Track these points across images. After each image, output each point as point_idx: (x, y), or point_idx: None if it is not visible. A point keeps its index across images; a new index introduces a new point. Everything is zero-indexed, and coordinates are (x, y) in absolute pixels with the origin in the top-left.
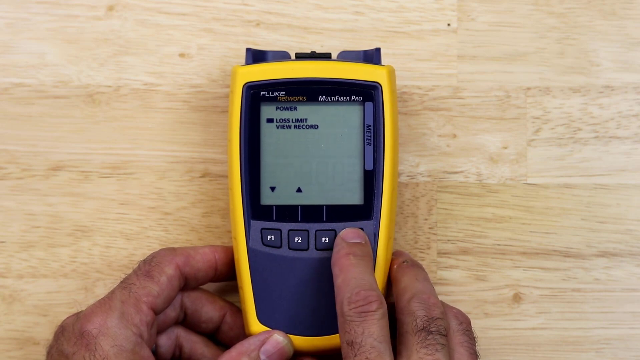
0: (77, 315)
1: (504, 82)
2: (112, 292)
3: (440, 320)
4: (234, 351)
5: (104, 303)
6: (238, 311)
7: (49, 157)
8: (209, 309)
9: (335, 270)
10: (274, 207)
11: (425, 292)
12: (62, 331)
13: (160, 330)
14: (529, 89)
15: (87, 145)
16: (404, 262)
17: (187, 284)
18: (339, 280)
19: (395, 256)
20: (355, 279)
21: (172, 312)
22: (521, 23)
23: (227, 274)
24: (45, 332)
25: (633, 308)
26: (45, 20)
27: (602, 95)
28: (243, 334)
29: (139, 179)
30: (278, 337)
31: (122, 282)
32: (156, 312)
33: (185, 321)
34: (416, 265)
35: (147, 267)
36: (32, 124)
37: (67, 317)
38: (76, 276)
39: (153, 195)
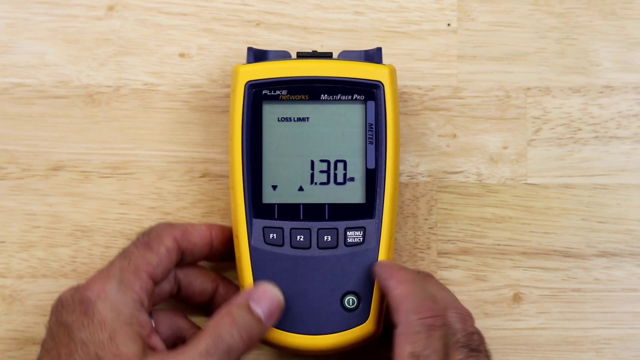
0: (76, 288)
1: (504, 82)
2: (111, 262)
3: (476, 335)
4: (224, 307)
5: (103, 272)
6: (230, 283)
7: (49, 157)
8: (202, 281)
9: (392, 282)
10: (275, 205)
11: (456, 301)
12: (60, 304)
13: (154, 304)
14: (529, 89)
15: (87, 145)
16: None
17: (183, 258)
18: (398, 290)
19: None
20: (420, 288)
21: (166, 285)
22: (521, 23)
23: (223, 252)
24: (45, 332)
25: (633, 308)
26: (45, 20)
27: (602, 95)
28: None
29: (139, 179)
30: (265, 286)
31: (121, 252)
32: (155, 281)
33: (179, 294)
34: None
35: (146, 238)
36: (32, 124)
37: (65, 291)
38: (76, 276)
39: (153, 195)
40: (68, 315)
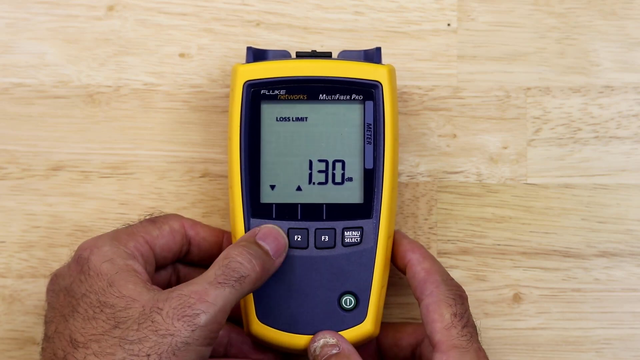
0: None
1: (504, 82)
2: None
3: None
4: (230, 246)
5: (97, 235)
6: None
7: (49, 157)
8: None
9: (416, 256)
10: (273, 205)
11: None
12: (55, 277)
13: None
14: (529, 89)
15: (87, 145)
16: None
17: (191, 251)
18: (425, 264)
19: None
20: (442, 267)
21: (164, 274)
22: (521, 23)
23: None
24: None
25: (633, 308)
26: (45, 20)
27: (602, 95)
28: None
29: (139, 179)
30: (270, 226)
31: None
32: (154, 251)
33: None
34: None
35: (152, 217)
36: (32, 124)
37: (58, 268)
38: None
39: (153, 195)
40: (65, 280)
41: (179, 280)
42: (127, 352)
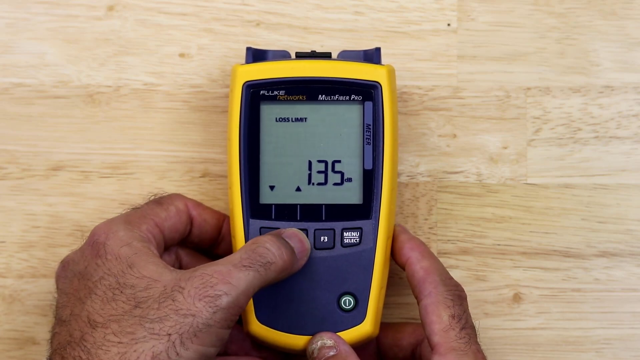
0: (79, 248)
1: (504, 82)
2: None
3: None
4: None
5: (108, 219)
6: None
7: (49, 157)
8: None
9: (415, 254)
10: (273, 206)
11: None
12: (65, 264)
13: None
14: (529, 89)
15: (87, 145)
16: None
17: (192, 232)
18: (424, 263)
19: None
20: (441, 264)
21: (167, 258)
22: (521, 23)
23: (227, 248)
24: (45, 332)
25: (633, 308)
26: (45, 20)
27: (602, 95)
28: None
29: (139, 179)
30: (294, 229)
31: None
32: (162, 233)
33: None
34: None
35: (157, 198)
36: (32, 124)
37: (66, 256)
38: None
39: (153, 195)
40: (79, 265)
41: (181, 265)
42: (147, 331)
